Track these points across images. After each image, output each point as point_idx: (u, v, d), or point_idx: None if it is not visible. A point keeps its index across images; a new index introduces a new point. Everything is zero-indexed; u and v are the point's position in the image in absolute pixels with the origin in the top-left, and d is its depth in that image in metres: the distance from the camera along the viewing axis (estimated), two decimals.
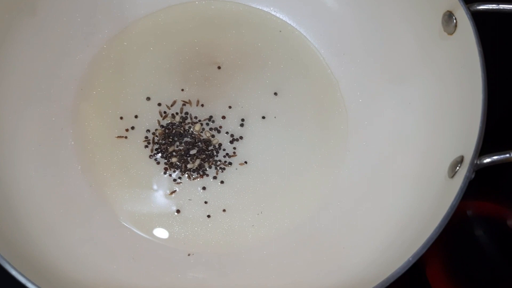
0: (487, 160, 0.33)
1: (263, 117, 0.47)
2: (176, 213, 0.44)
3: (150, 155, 0.45)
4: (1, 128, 0.41)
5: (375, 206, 0.42)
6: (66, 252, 0.40)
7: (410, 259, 0.31)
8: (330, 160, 0.45)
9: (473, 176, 0.34)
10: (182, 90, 0.47)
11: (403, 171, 0.41)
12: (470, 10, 0.37)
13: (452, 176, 0.35)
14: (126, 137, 0.45)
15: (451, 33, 0.39)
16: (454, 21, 0.38)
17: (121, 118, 0.46)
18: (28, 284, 0.30)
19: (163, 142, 0.45)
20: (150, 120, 0.46)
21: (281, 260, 0.42)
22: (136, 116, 0.46)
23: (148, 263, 0.41)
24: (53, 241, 0.40)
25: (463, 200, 0.33)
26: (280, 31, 0.49)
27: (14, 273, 0.30)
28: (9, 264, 0.31)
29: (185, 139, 0.45)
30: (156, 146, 0.45)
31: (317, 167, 0.45)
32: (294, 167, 0.45)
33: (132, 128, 0.46)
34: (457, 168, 0.35)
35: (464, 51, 0.37)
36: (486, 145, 0.35)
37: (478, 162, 0.33)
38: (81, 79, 0.46)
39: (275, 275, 0.41)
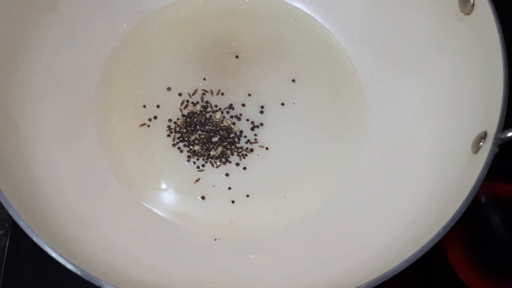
0: (511, 134, 0.34)
1: (282, 104, 0.47)
2: (201, 199, 0.44)
3: (173, 144, 0.46)
4: (26, 120, 0.42)
5: (398, 186, 0.42)
6: (95, 240, 0.40)
7: (441, 231, 0.32)
8: (351, 143, 0.46)
9: (497, 150, 0.34)
10: (204, 79, 0.47)
11: (424, 150, 0.42)
12: None
13: (476, 152, 0.36)
14: (148, 126, 0.46)
15: (468, 13, 0.39)
16: (471, 0, 0.39)
17: (144, 106, 0.46)
18: (68, 265, 0.31)
19: (185, 130, 0.46)
20: (172, 110, 0.47)
21: (305, 243, 0.43)
22: (158, 106, 0.47)
23: (176, 248, 0.42)
24: (82, 229, 0.40)
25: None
26: (296, 19, 0.50)
27: (54, 255, 0.31)
28: (50, 247, 0.32)
29: (207, 127, 0.46)
30: (178, 135, 0.46)
31: (338, 151, 0.46)
32: (315, 152, 0.46)
33: (155, 117, 0.46)
34: (481, 143, 0.35)
35: (482, 29, 0.38)
36: (508, 121, 0.35)
37: (502, 136, 0.34)
38: (102, 72, 0.47)
39: (300, 257, 0.42)
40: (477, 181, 0.33)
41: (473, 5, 0.39)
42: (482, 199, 0.48)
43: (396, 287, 0.44)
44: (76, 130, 0.45)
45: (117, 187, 0.44)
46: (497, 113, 0.34)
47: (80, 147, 0.44)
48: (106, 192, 0.44)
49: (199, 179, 0.45)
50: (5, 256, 0.45)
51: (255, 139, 0.46)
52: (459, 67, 0.41)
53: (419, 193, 0.40)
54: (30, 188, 0.39)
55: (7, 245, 0.45)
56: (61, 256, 0.31)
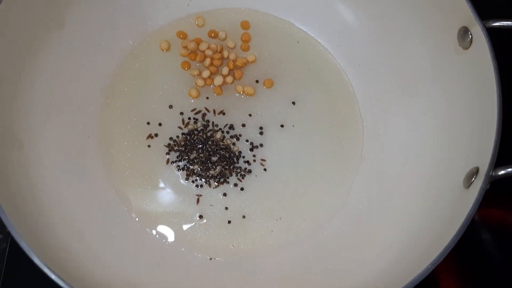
0: (502, 172, 0.35)
1: (282, 126, 0.48)
2: (198, 219, 0.45)
3: (172, 162, 0.47)
4: (30, 136, 0.42)
5: (391, 213, 0.43)
6: (93, 256, 0.41)
7: (429, 266, 0.33)
8: (346, 168, 0.47)
9: (488, 186, 0.35)
10: (207, 98, 0.48)
11: (417, 180, 0.43)
12: (485, 27, 0.38)
13: (468, 187, 0.36)
14: (149, 146, 0.47)
15: (466, 48, 0.40)
16: (470, 36, 0.39)
17: (148, 123, 0.47)
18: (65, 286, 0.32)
19: (185, 149, 0.47)
20: (173, 128, 0.48)
21: (299, 265, 0.44)
22: (160, 124, 0.48)
23: (172, 267, 0.43)
24: (80, 245, 0.41)
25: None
26: (298, 42, 0.51)
27: (53, 277, 0.32)
28: (48, 267, 0.32)
29: (206, 146, 0.47)
30: (178, 153, 0.47)
31: (334, 174, 0.47)
32: (312, 174, 0.47)
33: (156, 135, 0.47)
34: (473, 179, 0.36)
35: (479, 66, 0.38)
36: (501, 156, 0.36)
37: (493, 174, 0.35)
38: (106, 88, 0.48)
39: (293, 279, 0.43)
40: (467, 218, 0.33)
41: (471, 41, 0.39)
42: (478, 222, 0.48)
43: None
44: (78, 145, 0.46)
45: (116, 203, 0.45)
46: (489, 151, 0.35)
47: (81, 162, 0.45)
48: (104, 207, 0.45)
49: (198, 199, 0.46)
50: (5, 261, 0.46)
51: (254, 160, 0.47)
52: (455, 100, 0.42)
53: (410, 223, 0.41)
54: (31, 204, 0.40)
55: (7, 250, 0.46)
56: (59, 277, 0.32)
